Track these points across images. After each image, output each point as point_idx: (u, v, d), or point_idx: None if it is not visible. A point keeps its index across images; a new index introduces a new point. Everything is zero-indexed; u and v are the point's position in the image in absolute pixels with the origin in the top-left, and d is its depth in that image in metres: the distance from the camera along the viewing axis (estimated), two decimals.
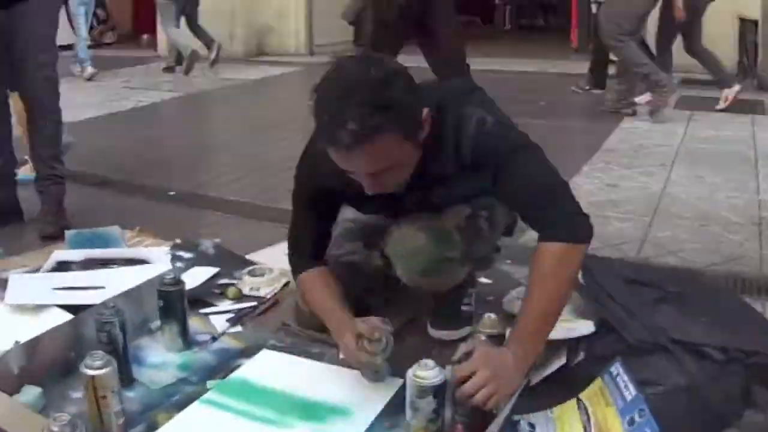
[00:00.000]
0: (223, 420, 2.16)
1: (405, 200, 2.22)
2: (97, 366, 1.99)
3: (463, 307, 2.59)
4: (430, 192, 2.21)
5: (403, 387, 2.06)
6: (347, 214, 2.50)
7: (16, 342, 2.28)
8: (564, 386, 2.17)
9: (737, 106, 6.35)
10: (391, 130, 1.88)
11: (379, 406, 2.17)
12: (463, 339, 2.48)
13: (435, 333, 2.56)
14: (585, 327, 2.24)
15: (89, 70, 8.78)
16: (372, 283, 2.51)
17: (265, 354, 2.50)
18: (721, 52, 6.65)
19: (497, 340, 2.11)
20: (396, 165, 1.98)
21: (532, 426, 2.04)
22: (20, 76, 3.66)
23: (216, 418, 2.18)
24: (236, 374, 2.39)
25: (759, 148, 5.14)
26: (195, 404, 2.24)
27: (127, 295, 2.60)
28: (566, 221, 2.04)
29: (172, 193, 4.45)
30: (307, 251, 2.43)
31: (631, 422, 1.88)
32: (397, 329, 2.40)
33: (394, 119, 1.88)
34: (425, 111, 1.99)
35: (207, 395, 2.28)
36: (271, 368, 2.40)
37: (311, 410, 2.13)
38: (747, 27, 7.65)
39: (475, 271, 2.57)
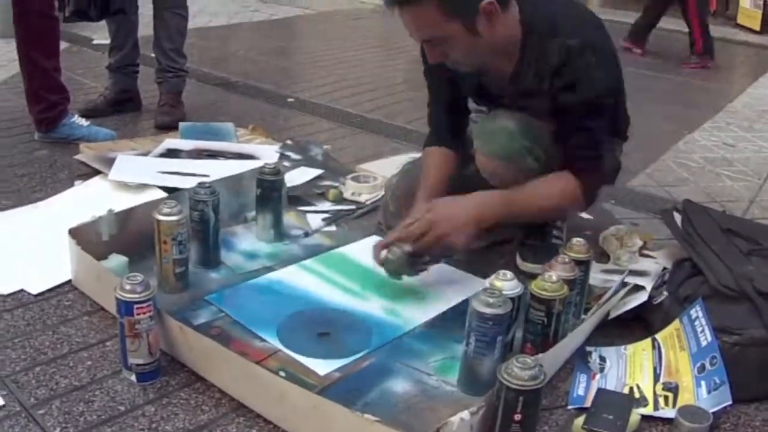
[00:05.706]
0: (309, 281, 2.34)
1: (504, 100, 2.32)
2: (164, 212, 2.16)
3: (554, 240, 2.56)
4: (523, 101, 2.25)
5: None
6: None
7: (110, 210, 2.36)
8: (641, 324, 2.17)
9: None
10: (430, 2, 1.99)
11: (453, 301, 2.24)
12: None
13: (523, 265, 2.51)
14: (639, 299, 2.21)
15: None
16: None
17: (371, 239, 2.59)
18: None
19: (584, 265, 2.11)
20: (444, 39, 2.06)
21: (603, 359, 2.03)
22: None
23: (304, 279, 2.36)
24: (338, 250, 2.54)
25: None
26: (291, 267, 2.43)
27: (228, 181, 2.67)
28: (592, 174, 2.24)
29: (290, 99, 4.51)
30: (436, 127, 2.55)
31: (702, 369, 1.85)
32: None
33: None
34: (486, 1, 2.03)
35: (304, 261, 2.44)
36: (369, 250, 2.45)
37: (390, 289, 2.18)
38: None
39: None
